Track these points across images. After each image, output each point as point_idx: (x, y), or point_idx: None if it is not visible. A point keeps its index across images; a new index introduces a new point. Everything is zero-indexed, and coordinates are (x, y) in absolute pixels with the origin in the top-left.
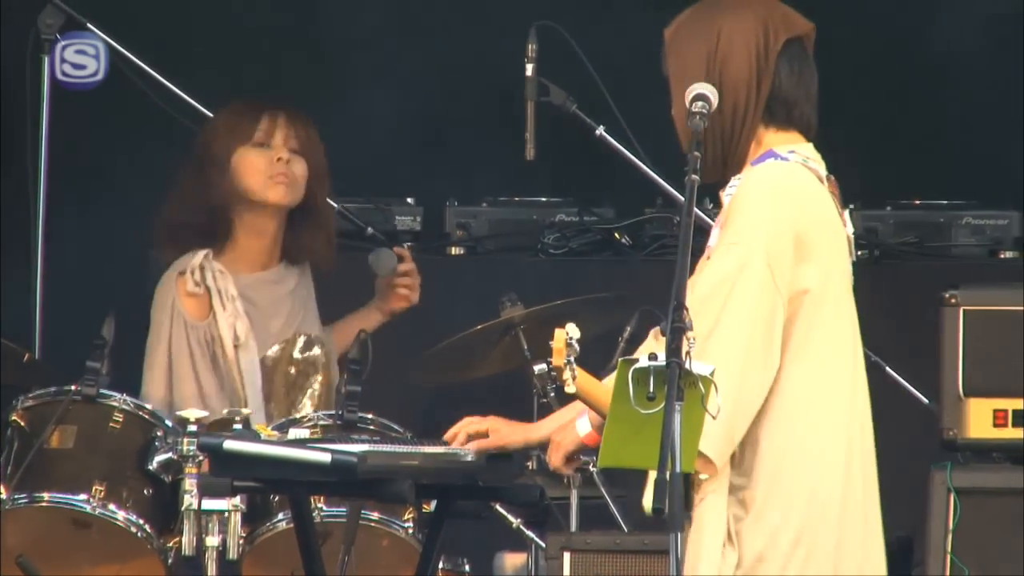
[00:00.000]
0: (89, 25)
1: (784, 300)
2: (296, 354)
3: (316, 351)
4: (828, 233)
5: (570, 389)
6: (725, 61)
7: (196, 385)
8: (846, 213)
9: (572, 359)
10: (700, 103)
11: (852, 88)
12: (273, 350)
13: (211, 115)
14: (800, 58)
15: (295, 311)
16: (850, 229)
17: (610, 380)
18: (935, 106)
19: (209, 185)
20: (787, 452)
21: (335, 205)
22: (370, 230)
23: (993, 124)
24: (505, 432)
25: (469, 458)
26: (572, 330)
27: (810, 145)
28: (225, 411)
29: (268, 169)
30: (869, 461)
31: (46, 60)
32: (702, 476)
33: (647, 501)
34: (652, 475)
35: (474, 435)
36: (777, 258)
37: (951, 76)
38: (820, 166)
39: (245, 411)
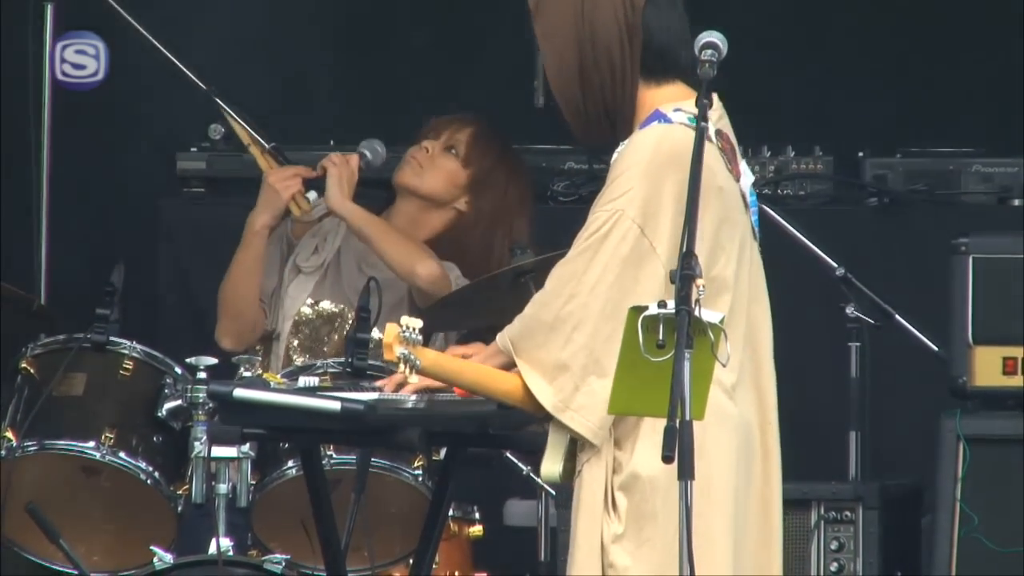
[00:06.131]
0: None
1: (665, 259)
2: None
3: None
4: (711, 192)
5: (412, 379)
6: (592, 22)
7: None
8: (742, 164)
9: (407, 352)
10: (709, 51)
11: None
12: (307, 311)
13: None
14: (667, 5)
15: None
16: (747, 181)
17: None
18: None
19: None
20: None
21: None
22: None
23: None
24: None
25: (416, 403)
26: (409, 322)
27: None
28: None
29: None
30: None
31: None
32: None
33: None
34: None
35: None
36: (651, 220)
37: None
38: (708, 122)
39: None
